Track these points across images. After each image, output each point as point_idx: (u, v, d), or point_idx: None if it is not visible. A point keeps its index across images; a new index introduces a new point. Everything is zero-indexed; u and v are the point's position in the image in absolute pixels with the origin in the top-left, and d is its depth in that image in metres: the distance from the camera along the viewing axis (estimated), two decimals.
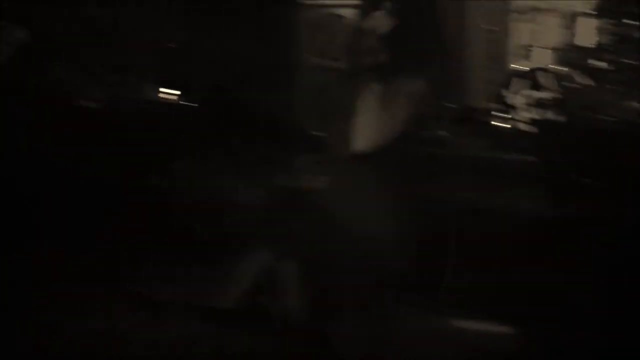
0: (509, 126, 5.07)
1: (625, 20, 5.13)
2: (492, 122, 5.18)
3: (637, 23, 5.11)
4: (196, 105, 4.50)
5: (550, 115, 4.90)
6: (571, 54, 5.21)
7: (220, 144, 4.25)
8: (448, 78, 4.97)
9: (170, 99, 4.55)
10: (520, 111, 5.07)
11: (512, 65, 5.44)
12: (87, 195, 4.09)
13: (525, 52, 5.38)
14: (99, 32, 4.46)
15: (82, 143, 4.11)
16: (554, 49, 5.23)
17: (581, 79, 5.06)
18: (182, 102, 4.54)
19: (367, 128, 3.39)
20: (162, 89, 4.13)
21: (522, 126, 5.04)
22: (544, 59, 5.25)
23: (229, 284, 3.87)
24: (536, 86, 5.02)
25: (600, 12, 5.17)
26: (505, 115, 5.10)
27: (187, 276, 3.98)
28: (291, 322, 3.66)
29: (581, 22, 5.23)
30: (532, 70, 5.09)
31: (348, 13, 5.31)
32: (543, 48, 5.29)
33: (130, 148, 4.36)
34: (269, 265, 3.79)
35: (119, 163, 4.35)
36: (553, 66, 5.14)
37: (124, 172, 4.39)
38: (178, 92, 4.50)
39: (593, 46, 5.15)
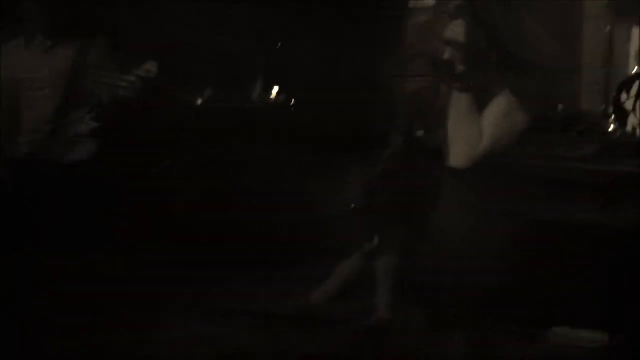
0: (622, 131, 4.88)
1: None
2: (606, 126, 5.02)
3: None
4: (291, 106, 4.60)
5: None
6: None
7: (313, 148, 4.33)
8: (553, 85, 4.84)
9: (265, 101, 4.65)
10: (637, 115, 4.87)
11: (630, 70, 5.25)
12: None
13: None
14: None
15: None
16: None
17: None
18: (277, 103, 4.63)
19: (463, 141, 3.31)
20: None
21: (637, 130, 4.85)
22: None
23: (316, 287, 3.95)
24: None
25: None
26: (619, 121, 4.92)
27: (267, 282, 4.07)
28: (377, 329, 3.69)
29: None
30: None
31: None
32: None
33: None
34: (360, 271, 3.83)
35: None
36: None
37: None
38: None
39: None
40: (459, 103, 3.26)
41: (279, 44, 4.84)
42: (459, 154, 3.27)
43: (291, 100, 4.67)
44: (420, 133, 3.42)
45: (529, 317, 3.66)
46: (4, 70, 3.68)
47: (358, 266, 3.89)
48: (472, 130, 3.23)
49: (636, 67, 5.21)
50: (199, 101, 3.86)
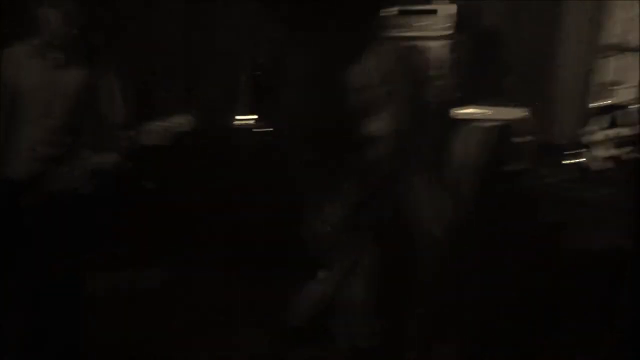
0: (590, 162, 5.02)
1: None
2: (574, 158, 5.15)
3: None
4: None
5: (630, 152, 4.83)
6: None
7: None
8: (530, 114, 4.97)
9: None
10: (601, 148, 5.02)
11: (594, 103, 5.41)
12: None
13: (609, 90, 5.34)
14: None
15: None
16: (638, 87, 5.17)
17: None
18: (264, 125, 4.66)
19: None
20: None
21: (601, 163, 4.99)
22: (626, 96, 5.19)
23: (301, 301, 3.93)
24: (622, 123, 4.96)
25: None
26: (586, 151, 5.06)
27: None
28: (358, 343, 3.69)
29: None
30: (614, 108, 5.03)
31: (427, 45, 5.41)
32: (627, 87, 5.24)
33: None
34: (342, 284, 3.83)
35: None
36: (635, 104, 5.07)
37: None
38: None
39: None
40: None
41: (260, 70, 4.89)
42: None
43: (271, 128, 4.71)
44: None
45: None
46: (5, 77, 3.50)
47: (330, 286, 3.87)
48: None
49: (605, 101, 5.37)
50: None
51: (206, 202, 4.67)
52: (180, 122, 3.32)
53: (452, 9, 5.43)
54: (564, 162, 5.23)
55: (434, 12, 5.43)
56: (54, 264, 3.38)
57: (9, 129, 3.50)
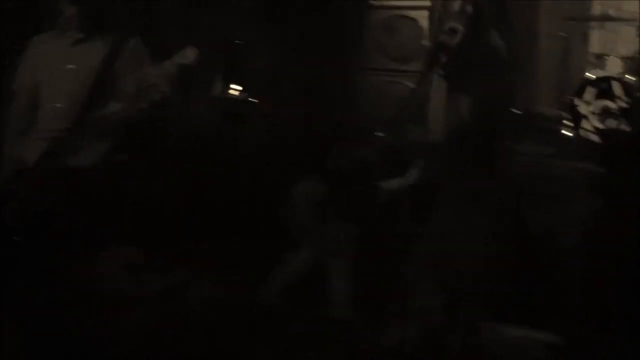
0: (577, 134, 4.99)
1: None
2: (561, 130, 5.12)
3: None
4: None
5: (619, 125, 4.80)
6: None
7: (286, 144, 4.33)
8: (516, 84, 4.91)
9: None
10: (590, 120, 4.98)
11: (585, 74, 5.36)
12: None
13: (599, 60, 5.29)
14: None
15: None
16: (629, 59, 5.11)
17: None
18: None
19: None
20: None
21: (590, 135, 4.96)
22: (617, 68, 5.14)
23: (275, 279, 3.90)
24: (608, 95, 4.91)
25: None
26: (574, 124, 5.03)
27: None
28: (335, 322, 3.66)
29: None
30: (605, 79, 4.98)
31: (418, 15, 5.35)
32: (618, 57, 5.18)
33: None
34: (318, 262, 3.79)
35: None
36: (627, 76, 5.02)
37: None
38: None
39: None
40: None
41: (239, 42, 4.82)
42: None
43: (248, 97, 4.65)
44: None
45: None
46: (29, 60, 3.54)
47: (308, 261, 3.82)
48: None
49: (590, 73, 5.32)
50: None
51: (187, 176, 4.59)
52: (186, 54, 3.32)
53: None
54: (546, 134, 5.22)
55: None
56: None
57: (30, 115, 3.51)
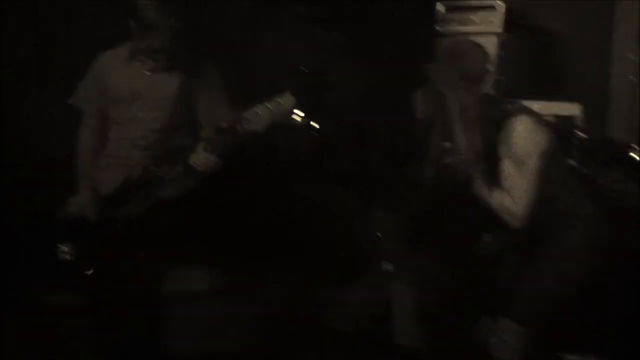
0: None
1: None
2: (632, 155, 5.03)
3: None
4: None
5: None
6: None
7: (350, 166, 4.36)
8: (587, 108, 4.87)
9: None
10: None
11: None
12: None
13: None
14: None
15: None
16: None
17: None
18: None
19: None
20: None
21: None
22: None
23: (352, 306, 3.90)
24: None
25: None
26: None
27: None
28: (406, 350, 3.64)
29: None
30: None
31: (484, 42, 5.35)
32: None
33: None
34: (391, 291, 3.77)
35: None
36: None
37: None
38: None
39: None
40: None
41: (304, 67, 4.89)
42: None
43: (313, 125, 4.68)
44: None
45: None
46: (98, 79, 3.54)
47: (375, 289, 3.81)
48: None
49: None
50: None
51: (259, 201, 4.66)
52: (284, 100, 3.18)
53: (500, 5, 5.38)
54: (617, 160, 5.14)
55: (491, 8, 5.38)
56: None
57: (102, 136, 3.56)
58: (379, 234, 3.83)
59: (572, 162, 4.76)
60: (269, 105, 3.16)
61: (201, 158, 3.26)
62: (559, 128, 4.75)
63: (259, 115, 3.16)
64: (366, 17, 5.24)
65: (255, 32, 5.06)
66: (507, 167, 2.96)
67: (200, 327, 3.77)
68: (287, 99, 3.18)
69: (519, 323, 3.00)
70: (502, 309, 3.06)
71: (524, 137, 3.01)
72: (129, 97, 3.48)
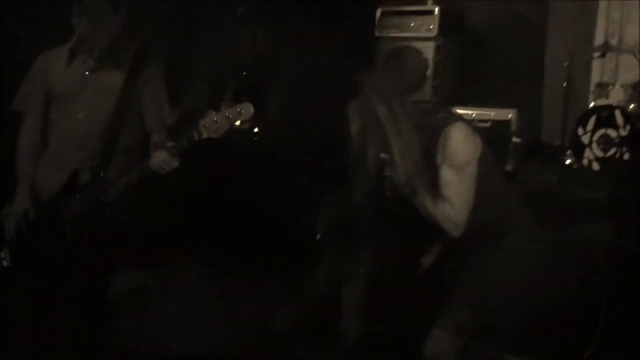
0: (580, 163, 5.05)
1: None
2: (564, 159, 5.19)
3: None
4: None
5: (622, 153, 4.85)
6: None
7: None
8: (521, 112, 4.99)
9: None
10: (592, 149, 5.04)
11: (588, 103, 5.43)
12: None
13: (602, 90, 5.35)
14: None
15: None
16: (633, 87, 5.17)
17: None
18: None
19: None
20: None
21: (592, 163, 5.02)
22: (621, 97, 5.20)
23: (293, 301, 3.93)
24: (610, 124, 4.96)
25: None
26: (576, 152, 5.08)
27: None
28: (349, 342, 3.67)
29: None
30: (608, 108, 5.04)
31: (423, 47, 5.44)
32: (622, 86, 5.24)
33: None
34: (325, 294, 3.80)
35: None
36: (631, 105, 5.08)
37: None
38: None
39: None
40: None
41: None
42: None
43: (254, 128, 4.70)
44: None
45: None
46: (38, 81, 3.45)
47: (323, 290, 3.84)
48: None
49: (592, 102, 5.38)
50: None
51: (198, 202, 4.66)
52: (244, 109, 3.15)
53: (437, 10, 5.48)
54: (550, 163, 5.28)
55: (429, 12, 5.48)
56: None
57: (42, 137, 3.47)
58: (320, 232, 3.84)
59: (507, 166, 4.90)
60: (228, 114, 3.15)
61: (164, 161, 3.24)
62: (495, 133, 4.90)
63: (218, 124, 3.15)
64: (308, 20, 5.25)
65: (197, 31, 5.03)
66: (446, 175, 2.96)
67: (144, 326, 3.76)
68: (246, 108, 3.16)
69: (453, 331, 3.05)
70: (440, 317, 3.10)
71: (461, 144, 3.00)
72: (70, 98, 3.39)
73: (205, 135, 3.16)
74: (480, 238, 3.03)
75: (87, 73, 3.40)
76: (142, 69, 3.44)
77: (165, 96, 3.50)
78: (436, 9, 5.49)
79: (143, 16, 4.07)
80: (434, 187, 2.96)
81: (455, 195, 2.93)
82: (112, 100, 3.37)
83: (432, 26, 5.45)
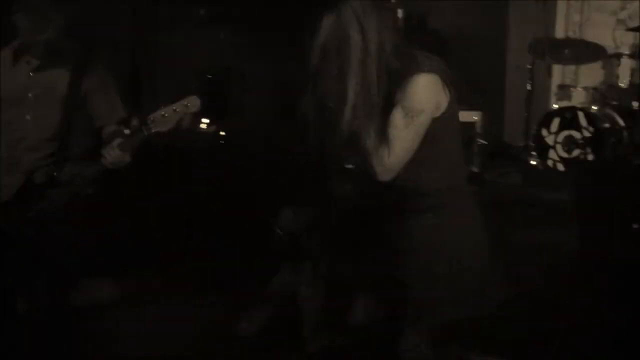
0: (544, 164, 5.07)
1: None
2: (528, 160, 5.21)
3: None
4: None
5: (586, 154, 4.88)
6: (611, 95, 5.18)
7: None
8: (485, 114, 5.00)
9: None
10: (556, 150, 5.06)
11: (552, 105, 5.46)
12: None
13: (564, 91, 5.38)
14: None
15: None
16: (595, 89, 5.21)
17: (620, 120, 5.03)
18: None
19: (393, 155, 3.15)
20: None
21: (557, 164, 5.04)
22: (583, 99, 5.24)
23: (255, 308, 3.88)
24: (573, 126, 4.99)
25: None
26: (540, 154, 5.11)
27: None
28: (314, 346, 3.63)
29: (624, 63, 5.21)
30: (571, 110, 5.07)
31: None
32: (584, 88, 5.29)
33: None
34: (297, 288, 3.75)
35: None
36: (593, 106, 5.12)
37: None
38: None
39: (632, 87, 5.12)
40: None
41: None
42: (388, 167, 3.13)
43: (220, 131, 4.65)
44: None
45: None
46: None
47: (285, 294, 3.77)
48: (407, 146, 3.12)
49: (555, 104, 5.42)
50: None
51: (163, 206, 4.60)
52: (190, 102, 3.13)
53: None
54: (515, 164, 5.31)
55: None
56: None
57: None
58: (281, 233, 3.79)
59: (473, 167, 4.90)
60: (175, 108, 3.12)
61: (115, 157, 3.17)
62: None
63: (165, 117, 3.11)
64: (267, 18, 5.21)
65: (159, 31, 4.98)
66: (395, 116, 2.83)
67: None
68: (193, 101, 3.14)
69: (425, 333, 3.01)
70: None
71: (421, 90, 2.83)
72: (17, 99, 3.37)
73: (153, 130, 3.12)
74: (419, 204, 2.92)
75: (31, 74, 3.37)
76: (88, 67, 3.42)
77: (116, 96, 3.49)
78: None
79: (89, 14, 4.04)
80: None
81: (396, 139, 2.78)
82: (59, 100, 3.35)
83: None
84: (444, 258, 2.92)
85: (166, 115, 3.11)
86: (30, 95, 3.36)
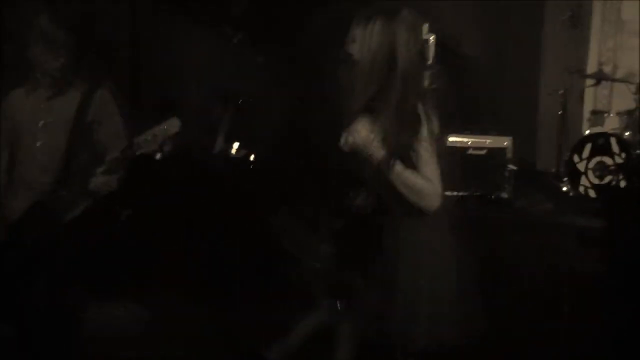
0: (576, 190, 5.04)
1: None
2: (559, 186, 5.18)
3: None
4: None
5: (618, 181, 4.85)
6: None
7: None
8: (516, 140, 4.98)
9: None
10: (588, 176, 5.03)
11: (584, 131, 5.43)
12: None
13: (597, 117, 5.36)
14: None
15: None
16: (628, 115, 5.17)
17: None
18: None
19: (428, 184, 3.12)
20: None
21: (588, 191, 5.01)
22: (615, 124, 5.21)
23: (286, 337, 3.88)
24: (606, 152, 4.96)
25: None
26: (572, 180, 5.08)
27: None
28: None
29: None
30: (603, 136, 5.03)
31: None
32: (617, 114, 5.25)
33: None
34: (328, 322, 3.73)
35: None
36: (626, 132, 5.08)
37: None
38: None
39: None
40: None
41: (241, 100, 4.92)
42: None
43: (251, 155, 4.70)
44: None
45: None
46: (5, 119, 3.62)
47: (318, 325, 3.77)
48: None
49: (587, 130, 5.39)
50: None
51: (187, 230, 4.63)
52: (169, 125, 3.31)
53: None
54: (546, 190, 5.27)
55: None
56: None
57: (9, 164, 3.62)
58: (318, 266, 3.79)
59: (503, 193, 4.88)
60: (155, 132, 3.30)
61: (100, 181, 3.39)
62: (491, 160, 4.91)
63: (147, 141, 3.30)
64: (294, 41, 5.26)
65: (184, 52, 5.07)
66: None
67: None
68: (172, 123, 3.31)
69: None
70: None
71: None
72: (34, 127, 3.56)
73: (138, 152, 3.30)
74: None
75: (42, 105, 3.56)
76: (95, 97, 3.58)
77: (118, 117, 3.63)
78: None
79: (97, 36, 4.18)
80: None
81: (427, 164, 2.83)
82: (68, 123, 3.52)
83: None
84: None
85: (148, 139, 3.30)
86: (44, 121, 3.56)
